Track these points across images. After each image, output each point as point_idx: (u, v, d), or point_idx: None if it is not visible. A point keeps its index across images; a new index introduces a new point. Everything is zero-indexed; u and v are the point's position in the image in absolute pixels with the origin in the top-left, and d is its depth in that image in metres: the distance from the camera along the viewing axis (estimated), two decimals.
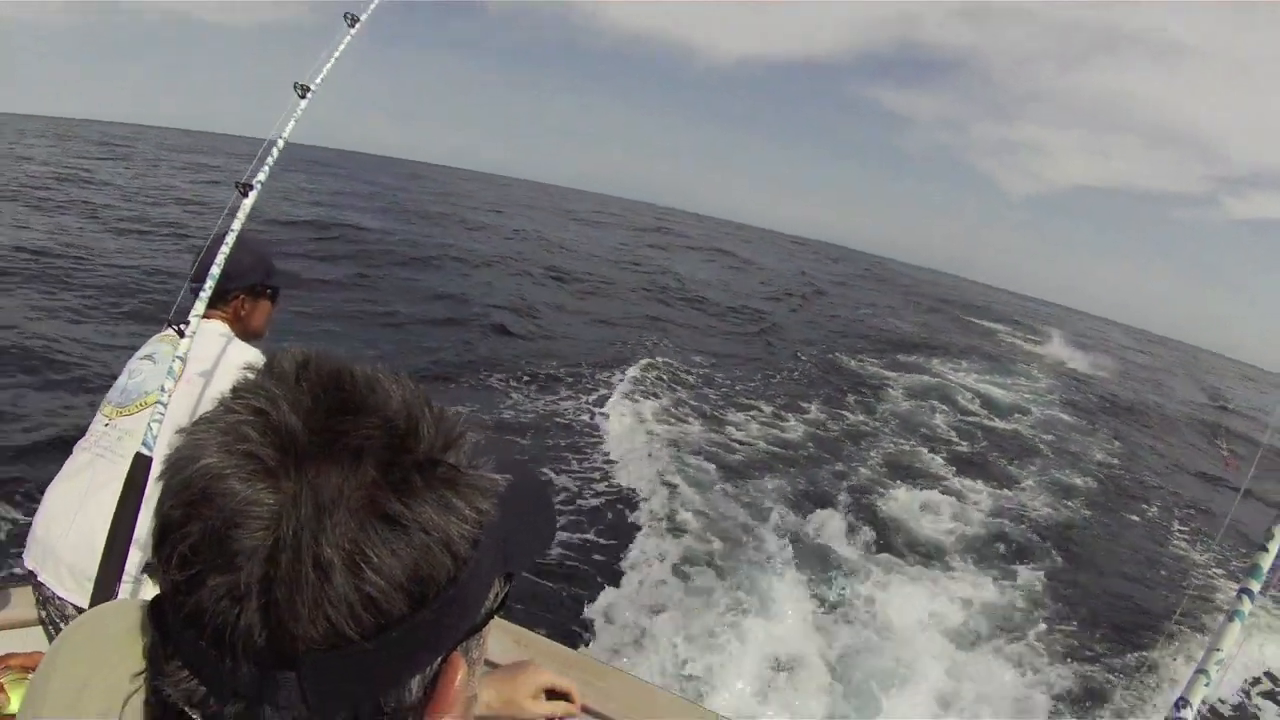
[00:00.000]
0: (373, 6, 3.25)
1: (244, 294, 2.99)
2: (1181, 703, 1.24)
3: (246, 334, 3.07)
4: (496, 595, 0.80)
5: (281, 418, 0.66)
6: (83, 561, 2.58)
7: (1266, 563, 1.31)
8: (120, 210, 22.82)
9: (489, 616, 0.80)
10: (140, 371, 2.90)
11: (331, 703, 0.65)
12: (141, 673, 0.75)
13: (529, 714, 1.70)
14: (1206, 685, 1.25)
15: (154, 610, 0.70)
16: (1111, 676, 7.86)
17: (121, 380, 2.92)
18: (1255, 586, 1.30)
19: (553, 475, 9.89)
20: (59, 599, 2.64)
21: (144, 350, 2.99)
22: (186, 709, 0.67)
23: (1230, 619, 1.28)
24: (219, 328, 2.94)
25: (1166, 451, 22.43)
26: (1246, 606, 1.29)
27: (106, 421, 2.82)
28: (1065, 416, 23.16)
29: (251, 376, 0.71)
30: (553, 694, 1.77)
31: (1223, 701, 7.81)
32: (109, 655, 0.80)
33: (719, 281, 33.66)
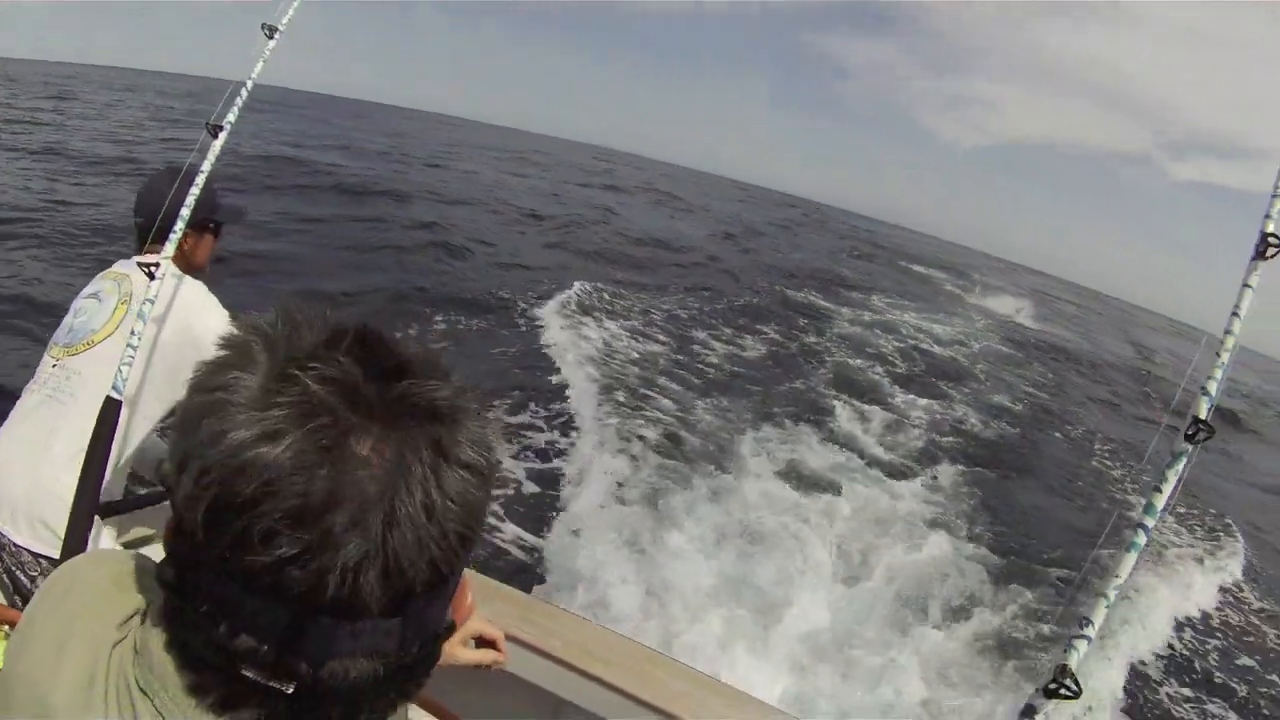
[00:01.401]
0: None
1: (188, 229, 2.78)
2: (1084, 621, 1.40)
3: (189, 268, 2.98)
4: None
5: (358, 384, 0.72)
6: (38, 506, 2.59)
7: (1160, 502, 1.45)
8: (69, 150, 21.77)
9: None
10: (85, 310, 2.85)
11: (417, 636, 0.77)
12: (128, 620, 0.85)
13: (457, 660, 1.68)
14: (1106, 607, 1.40)
15: (184, 572, 0.75)
16: (1028, 590, 8.55)
17: (68, 320, 2.87)
18: (1150, 522, 1.44)
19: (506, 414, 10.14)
20: (14, 545, 2.61)
21: (89, 289, 2.94)
22: (245, 670, 0.73)
23: (1128, 549, 1.44)
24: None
25: (1091, 389, 24.55)
26: (1141, 539, 1.43)
27: (54, 362, 2.78)
28: (1002, 349, 25.64)
29: (290, 336, 0.76)
30: (482, 641, 1.79)
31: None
32: (91, 607, 0.87)
33: (664, 225, 34.03)
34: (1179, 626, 9.00)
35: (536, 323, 14.32)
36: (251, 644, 0.72)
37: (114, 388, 2.43)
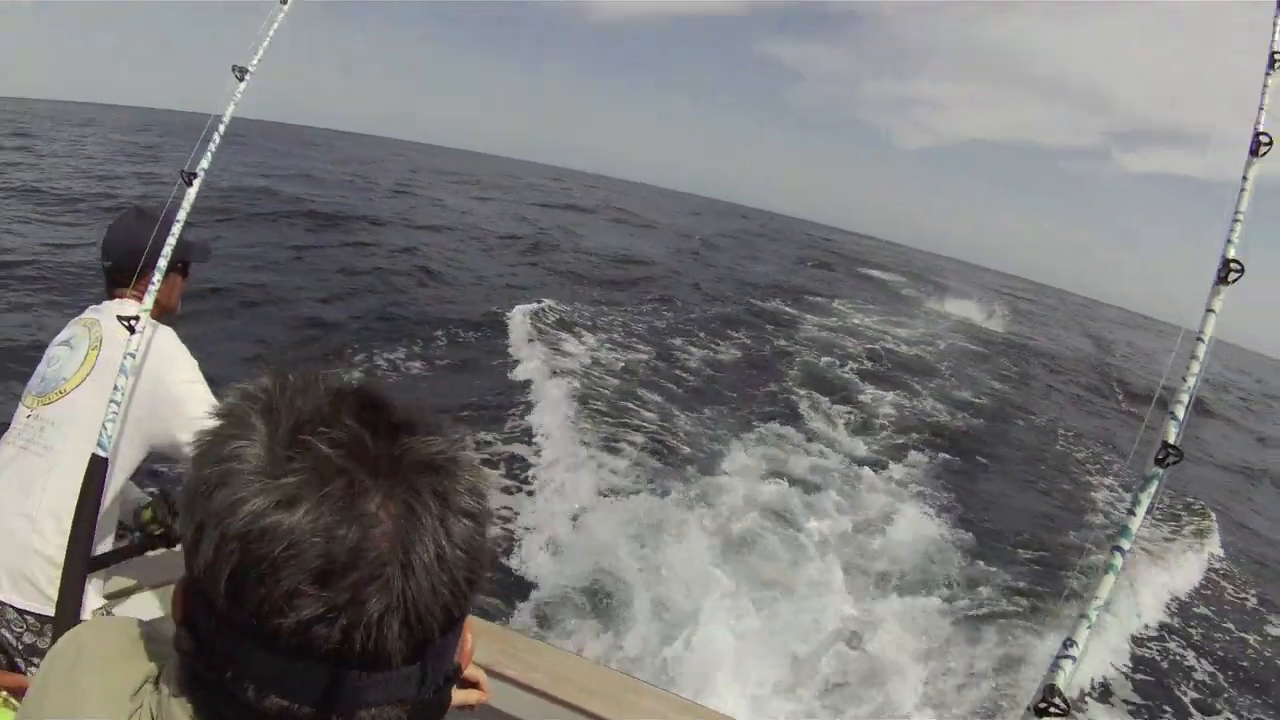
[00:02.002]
0: None
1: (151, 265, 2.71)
2: (1069, 642, 1.42)
3: (162, 311, 2.88)
4: None
5: (366, 445, 0.75)
6: (21, 562, 2.56)
7: (1134, 525, 1.48)
8: (38, 189, 21.64)
9: None
10: (58, 359, 2.80)
11: (434, 679, 0.79)
12: (139, 690, 0.86)
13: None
14: (1089, 627, 1.43)
15: (206, 639, 0.76)
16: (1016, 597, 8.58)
17: (41, 368, 2.83)
18: (1126, 545, 1.46)
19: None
20: None
21: (61, 335, 2.88)
22: None
23: (1106, 571, 1.46)
24: (131, 308, 2.71)
25: (1052, 380, 25.27)
26: (1119, 561, 1.46)
27: (29, 412, 2.73)
28: (969, 347, 26.40)
29: (295, 403, 0.77)
30: (463, 682, 1.72)
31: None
32: (101, 679, 0.88)
33: (626, 243, 33.64)
34: (1166, 607, 9.30)
35: (509, 344, 14.35)
36: (282, 704, 0.73)
37: (99, 445, 2.43)
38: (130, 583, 3.23)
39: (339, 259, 19.20)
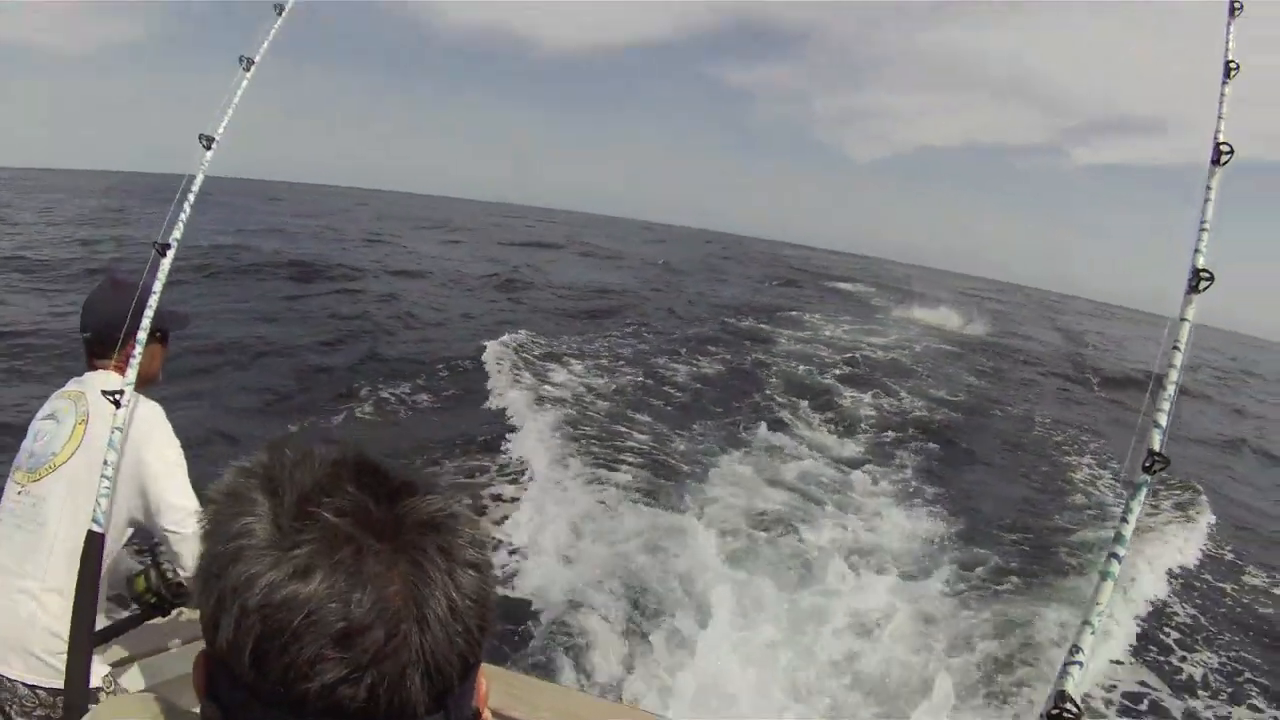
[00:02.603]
0: (264, 48, 3.21)
1: (132, 336, 2.74)
2: (1075, 649, 1.44)
3: (144, 380, 2.85)
4: None
5: (370, 512, 0.77)
6: (22, 636, 2.57)
7: (1128, 531, 1.52)
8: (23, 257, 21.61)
9: None
10: (45, 433, 2.81)
11: None
12: None
13: None
14: (1092, 633, 1.45)
15: (233, 709, 0.78)
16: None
17: (28, 444, 2.83)
18: (1121, 551, 1.50)
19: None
20: (9, 680, 2.60)
21: (45, 409, 2.89)
22: None
23: (1104, 579, 1.49)
24: (114, 381, 2.77)
25: (1030, 374, 25.66)
26: (1115, 568, 1.49)
27: (19, 489, 2.73)
28: (940, 349, 26.69)
29: (297, 478, 0.79)
30: None
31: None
32: None
33: (597, 276, 33.68)
34: (1168, 579, 9.44)
35: (495, 377, 14.39)
36: None
37: (95, 520, 2.44)
38: (126, 652, 3.25)
39: (328, 306, 19.57)
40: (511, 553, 8.02)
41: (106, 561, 2.66)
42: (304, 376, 13.59)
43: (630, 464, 10.59)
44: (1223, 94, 1.97)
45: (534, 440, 10.96)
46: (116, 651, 3.20)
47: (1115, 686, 7.21)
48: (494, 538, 8.11)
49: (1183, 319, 1.62)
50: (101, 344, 2.86)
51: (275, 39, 3.23)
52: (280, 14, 3.27)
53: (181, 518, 2.72)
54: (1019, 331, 36.95)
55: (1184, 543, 10.63)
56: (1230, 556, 10.93)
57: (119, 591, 3.11)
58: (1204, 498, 12.45)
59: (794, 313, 29.53)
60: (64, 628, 2.46)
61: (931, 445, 13.88)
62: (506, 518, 8.70)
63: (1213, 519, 11.74)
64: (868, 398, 16.97)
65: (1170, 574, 9.62)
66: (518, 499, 9.20)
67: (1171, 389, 1.56)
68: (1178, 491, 12.49)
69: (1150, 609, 8.67)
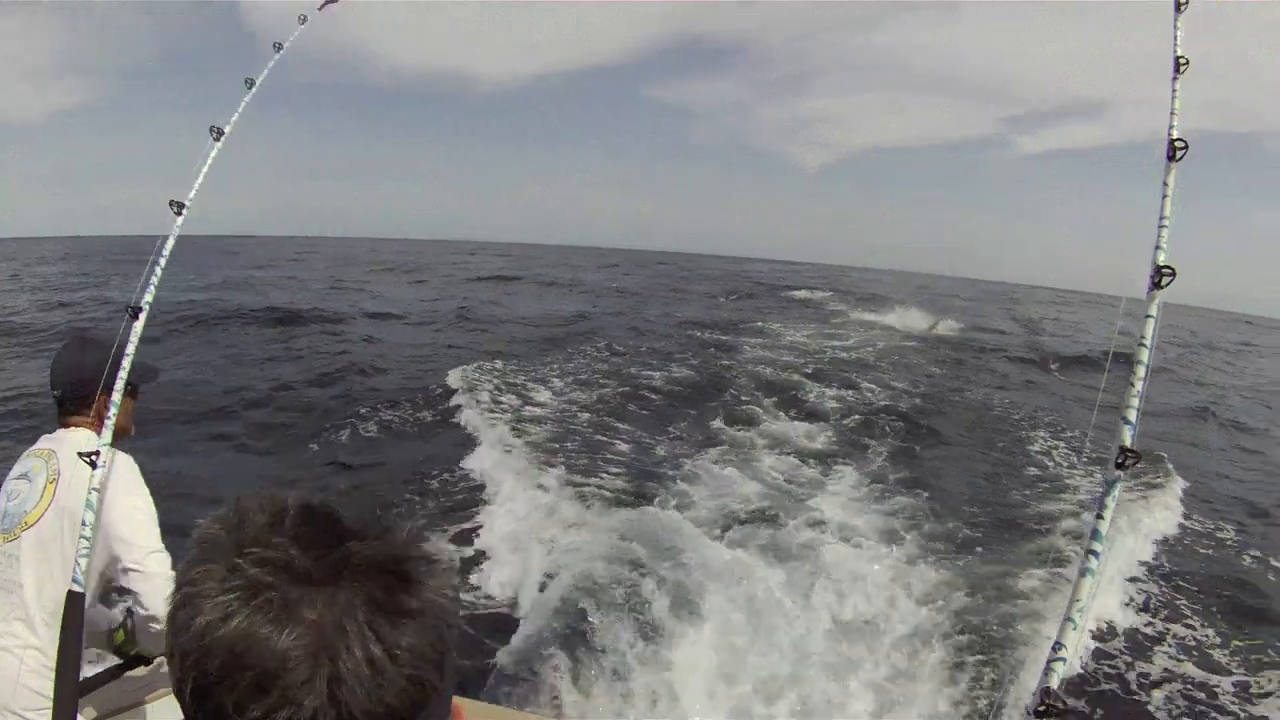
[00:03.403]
0: (234, 119, 3.27)
1: (105, 395, 2.78)
2: (1058, 645, 1.48)
3: (117, 435, 2.82)
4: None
5: (292, 560, 0.78)
6: (7, 694, 2.60)
7: (1104, 527, 1.55)
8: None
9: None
10: (17, 493, 2.81)
11: None
12: None
13: None
14: (1074, 629, 1.48)
15: None
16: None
17: (1, 503, 2.83)
18: (1099, 547, 1.53)
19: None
20: None
21: (17, 469, 2.89)
22: None
23: (1083, 575, 1.52)
24: (87, 438, 2.80)
25: (990, 361, 26.31)
26: (1094, 564, 1.52)
27: None
28: (901, 345, 27.10)
29: (239, 528, 0.81)
30: None
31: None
32: None
33: (558, 304, 33.88)
34: (1146, 552, 9.72)
35: (474, 402, 14.58)
36: None
37: (74, 580, 2.49)
38: (111, 705, 3.25)
39: (313, 348, 20.31)
40: (481, 568, 8.17)
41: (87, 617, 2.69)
42: (297, 414, 14.00)
43: (609, 473, 10.94)
44: (1174, 90, 1.98)
45: (501, 457, 11.27)
46: (101, 704, 3.21)
47: (1096, 672, 7.25)
48: (463, 568, 8.14)
49: (1148, 315, 1.63)
50: (73, 401, 2.89)
51: (245, 111, 3.31)
52: (251, 88, 3.37)
53: (142, 556, 2.75)
54: (977, 324, 37.22)
55: (1157, 511, 10.93)
56: (1198, 524, 11.16)
57: (100, 645, 3.12)
58: (1170, 466, 12.83)
59: (757, 323, 29.85)
60: (45, 684, 2.51)
61: (898, 433, 14.45)
62: (476, 536, 8.85)
63: (1181, 489, 12.08)
64: (832, 392, 17.62)
65: (1154, 541, 10.00)
66: (487, 517, 9.36)
67: (1140, 385, 1.57)
68: (1147, 465, 12.57)
69: (1125, 584, 8.80)
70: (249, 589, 0.76)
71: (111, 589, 2.93)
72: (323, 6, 3.74)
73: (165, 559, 2.77)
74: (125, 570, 2.74)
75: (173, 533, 2.76)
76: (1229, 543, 10.74)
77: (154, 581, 2.74)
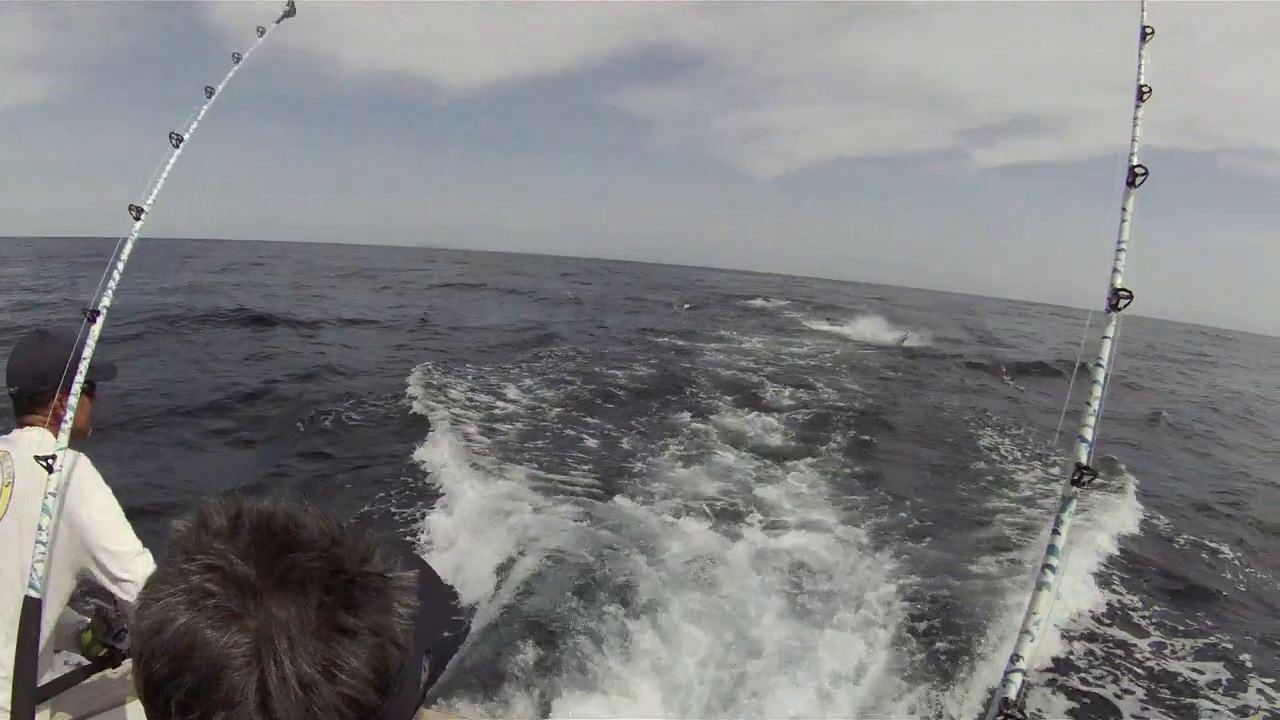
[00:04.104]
0: (193, 127, 3.26)
1: (63, 395, 2.72)
2: (1015, 657, 1.47)
3: (74, 435, 2.76)
4: (425, 671, 0.96)
5: (235, 568, 0.78)
6: None
7: (1061, 543, 1.55)
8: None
9: (424, 691, 0.95)
10: None
11: None
12: None
13: None
14: (1031, 642, 1.48)
15: None
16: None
17: None
18: (1055, 562, 1.53)
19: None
20: None
21: None
22: None
23: (1040, 589, 1.53)
24: (43, 438, 2.75)
25: (945, 368, 26.92)
26: (1051, 578, 1.52)
27: None
28: (856, 353, 27.65)
29: (191, 535, 0.82)
30: None
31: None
32: None
33: (519, 313, 33.89)
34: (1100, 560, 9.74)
35: (444, 407, 14.54)
36: None
37: (31, 586, 2.43)
38: (81, 709, 3.23)
39: (284, 349, 20.54)
40: (437, 564, 7.94)
41: (50, 624, 2.65)
42: (269, 415, 14.04)
43: (572, 468, 11.35)
44: (1135, 118, 2.01)
45: (460, 454, 11.37)
46: (72, 708, 3.19)
47: (1054, 680, 7.25)
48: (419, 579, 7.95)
49: (1105, 336, 1.65)
50: (30, 400, 2.81)
51: (204, 119, 3.29)
52: (210, 96, 3.36)
53: (126, 562, 2.68)
54: (932, 334, 37.61)
55: (1111, 511, 11.21)
56: (1157, 526, 11.47)
57: (69, 647, 3.06)
58: (1126, 472, 13.19)
59: (715, 330, 30.30)
60: (3, 695, 2.45)
61: (852, 431, 14.97)
62: (428, 541, 8.80)
63: (1137, 492, 12.37)
64: (788, 392, 18.36)
65: (1110, 537, 10.21)
66: (444, 514, 9.37)
67: (1096, 405, 1.58)
68: (1104, 474, 12.95)
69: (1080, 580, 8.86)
70: (193, 594, 0.76)
71: (81, 593, 2.88)
72: (280, 20, 3.71)
73: (149, 557, 2.72)
74: (117, 581, 2.67)
75: (145, 534, 2.76)
76: (1176, 537, 11.18)
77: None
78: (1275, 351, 71.61)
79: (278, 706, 0.74)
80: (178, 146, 3.16)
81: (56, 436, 2.68)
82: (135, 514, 2.80)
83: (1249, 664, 7.78)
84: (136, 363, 17.01)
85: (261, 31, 3.61)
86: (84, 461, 2.78)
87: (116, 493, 2.78)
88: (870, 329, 35.43)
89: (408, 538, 8.92)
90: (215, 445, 12.55)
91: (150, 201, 3.02)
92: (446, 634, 1.10)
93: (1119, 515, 11.18)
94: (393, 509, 9.82)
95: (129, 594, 2.69)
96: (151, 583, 0.80)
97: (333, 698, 0.76)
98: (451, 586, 1.27)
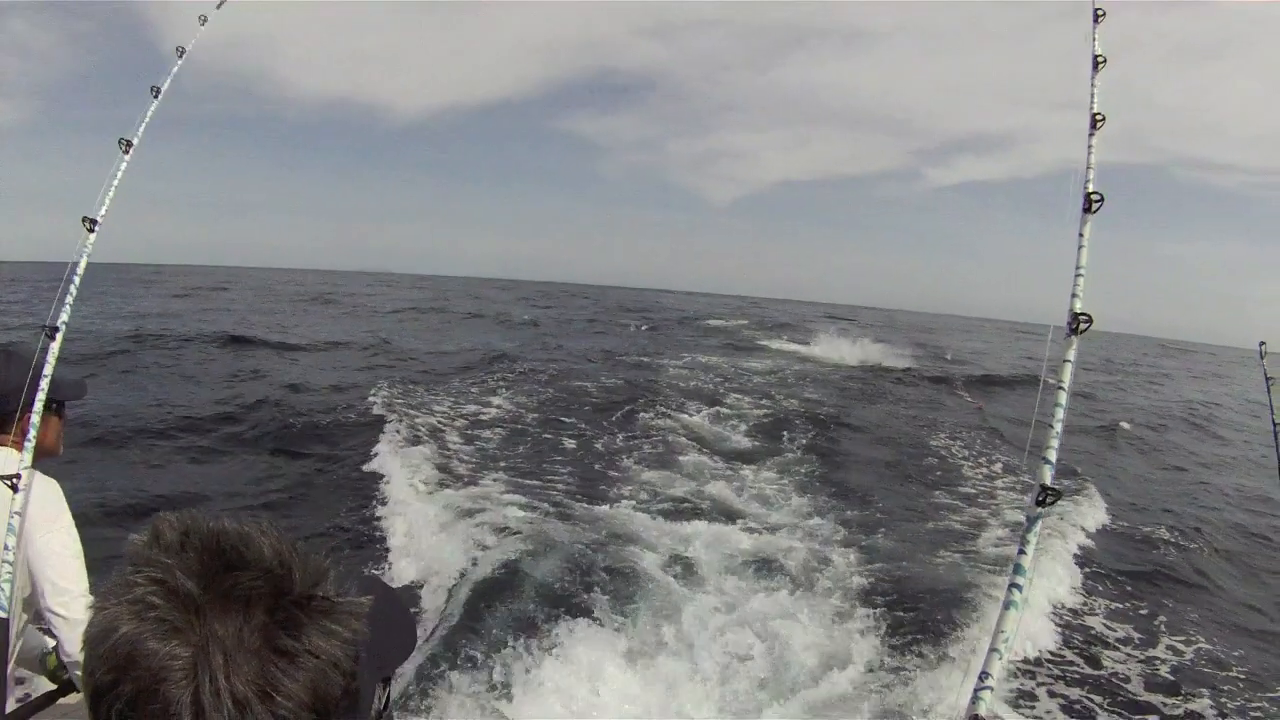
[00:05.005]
0: (141, 129, 3.19)
1: (28, 413, 2.67)
2: (984, 674, 1.48)
3: (42, 453, 2.74)
4: (380, 699, 0.95)
5: (178, 583, 0.78)
6: None
7: (1027, 562, 1.57)
8: None
9: (380, 718, 0.94)
10: None
11: None
12: None
13: None
14: (1000, 659, 1.50)
15: None
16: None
17: None
18: (1021, 581, 1.56)
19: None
20: None
21: None
22: None
23: (1007, 608, 1.54)
24: (8, 457, 2.67)
25: (899, 381, 27.75)
26: (1017, 596, 1.55)
27: None
28: (812, 370, 28.18)
29: (143, 548, 0.83)
30: None
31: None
32: None
33: (484, 337, 34.05)
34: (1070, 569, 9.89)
35: (403, 428, 14.39)
36: None
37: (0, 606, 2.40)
38: None
39: (249, 370, 20.74)
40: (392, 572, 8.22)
41: (16, 644, 2.63)
42: (241, 433, 14.11)
43: (542, 476, 11.59)
44: (1090, 145, 2.04)
45: (423, 467, 11.51)
46: None
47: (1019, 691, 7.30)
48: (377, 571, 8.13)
49: (1065, 360, 1.67)
50: None
51: (151, 121, 3.24)
52: (156, 96, 3.29)
53: (68, 600, 2.62)
54: (888, 350, 38.00)
55: (1076, 514, 11.58)
56: (1111, 523, 12.05)
57: (34, 669, 3.06)
58: (1090, 484, 13.64)
59: (676, 351, 30.41)
60: None
61: (810, 438, 15.52)
62: (386, 547, 8.91)
63: (1102, 505, 12.69)
64: (747, 400, 19.26)
65: (1073, 540, 10.51)
66: (402, 523, 9.44)
67: (1058, 428, 1.60)
68: (1069, 481, 13.42)
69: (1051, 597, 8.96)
70: (137, 605, 0.78)
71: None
72: (221, 4, 3.65)
73: (90, 602, 2.59)
74: (50, 611, 2.61)
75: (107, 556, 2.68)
76: (1137, 537, 11.69)
77: (78, 630, 2.54)
78: (1226, 361, 73.16)
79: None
80: (127, 152, 3.12)
81: (21, 455, 2.65)
82: (110, 528, 2.77)
83: (1202, 669, 7.96)
84: (115, 384, 17.10)
85: (204, 20, 3.54)
86: (54, 489, 2.73)
87: (88, 508, 2.74)
88: (827, 346, 35.58)
89: (372, 546, 8.98)
90: (186, 462, 12.59)
91: (103, 212, 2.99)
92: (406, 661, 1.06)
93: (1082, 521, 11.48)
94: (358, 519, 9.88)
95: (57, 628, 2.63)
96: (101, 593, 0.82)
97: (267, 718, 0.76)
98: (415, 614, 1.27)
